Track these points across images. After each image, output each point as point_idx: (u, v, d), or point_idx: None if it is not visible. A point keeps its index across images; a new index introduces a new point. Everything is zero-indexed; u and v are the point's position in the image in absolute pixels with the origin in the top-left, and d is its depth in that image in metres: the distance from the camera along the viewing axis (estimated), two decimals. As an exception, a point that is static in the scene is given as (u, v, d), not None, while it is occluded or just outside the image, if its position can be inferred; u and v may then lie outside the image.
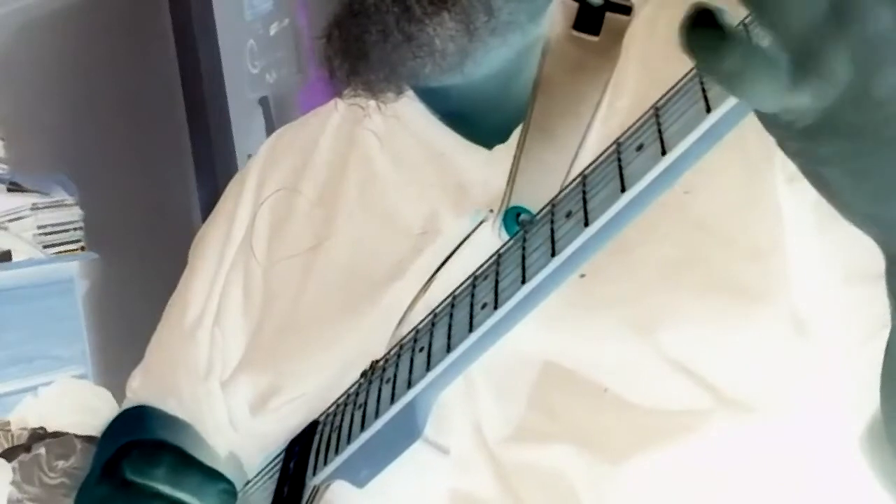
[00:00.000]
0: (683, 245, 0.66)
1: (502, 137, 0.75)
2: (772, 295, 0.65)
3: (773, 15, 0.39)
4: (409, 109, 0.79)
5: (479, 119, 0.76)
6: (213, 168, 2.61)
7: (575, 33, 0.74)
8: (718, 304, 0.65)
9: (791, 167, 0.65)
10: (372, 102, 0.76)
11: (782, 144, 0.45)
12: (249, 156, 0.96)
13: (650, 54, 0.73)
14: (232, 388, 0.83)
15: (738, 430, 0.66)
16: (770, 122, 0.43)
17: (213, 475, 0.66)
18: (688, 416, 0.65)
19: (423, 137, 0.79)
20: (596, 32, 0.74)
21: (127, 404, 0.96)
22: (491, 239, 0.69)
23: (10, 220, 2.93)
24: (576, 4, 0.74)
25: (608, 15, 0.74)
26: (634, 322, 0.66)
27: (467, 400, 0.68)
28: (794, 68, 0.39)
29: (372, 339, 0.72)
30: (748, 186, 0.66)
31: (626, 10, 0.75)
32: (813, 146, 0.43)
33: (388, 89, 0.73)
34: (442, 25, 0.69)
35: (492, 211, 0.71)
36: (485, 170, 0.75)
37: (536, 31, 0.74)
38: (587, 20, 0.74)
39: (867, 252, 0.54)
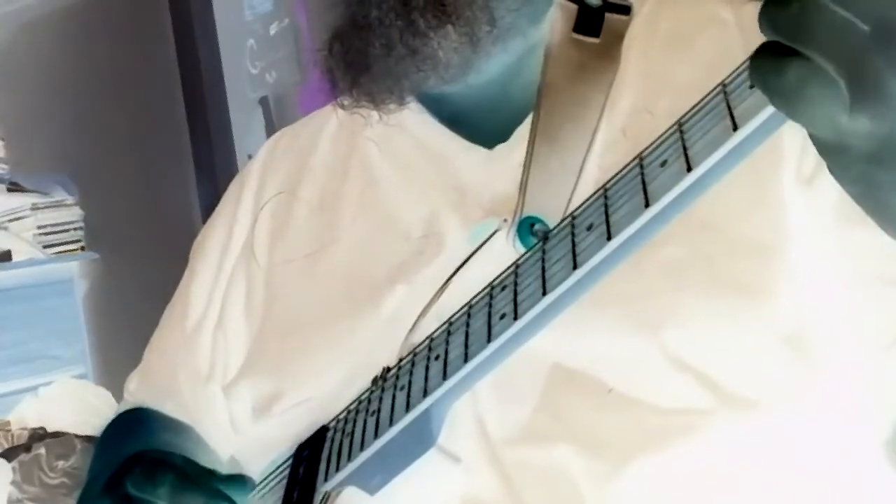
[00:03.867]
0: (688, 245, 0.66)
1: (502, 138, 0.75)
2: (775, 294, 0.65)
3: (817, 41, 0.39)
4: (408, 112, 0.79)
5: (479, 122, 0.76)
6: (213, 168, 2.61)
7: (575, 36, 0.74)
8: (722, 304, 0.66)
9: (806, 169, 0.65)
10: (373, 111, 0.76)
11: (837, 172, 0.44)
12: (249, 156, 0.96)
13: (651, 54, 0.73)
14: (234, 391, 0.83)
15: (741, 428, 0.66)
16: (829, 148, 0.43)
17: (216, 495, 0.67)
18: (691, 415, 0.65)
19: (423, 140, 0.79)
20: (596, 34, 0.74)
21: (124, 406, 0.96)
22: (504, 248, 0.69)
23: (10, 220, 2.93)
24: (575, 7, 0.74)
25: (608, 16, 0.74)
26: (639, 321, 0.66)
27: (471, 401, 0.68)
28: (851, 91, 0.39)
29: (375, 343, 0.72)
30: (753, 187, 0.66)
31: (626, 10, 0.75)
32: (874, 171, 0.42)
33: (390, 101, 0.73)
34: (446, 38, 0.69)
35: (505, 220, 0.71)
36: (485, 171, 0.75)
37: (537, 34, 0.74)
38: (587, 22, 0.74)
39: (891, 256, 0.54)
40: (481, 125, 0.76)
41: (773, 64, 0.40)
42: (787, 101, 0.40)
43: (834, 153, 0.43)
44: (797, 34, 0.39)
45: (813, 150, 0.65)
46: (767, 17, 0.40)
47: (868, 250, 0.63)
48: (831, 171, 0.45)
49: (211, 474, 0.68)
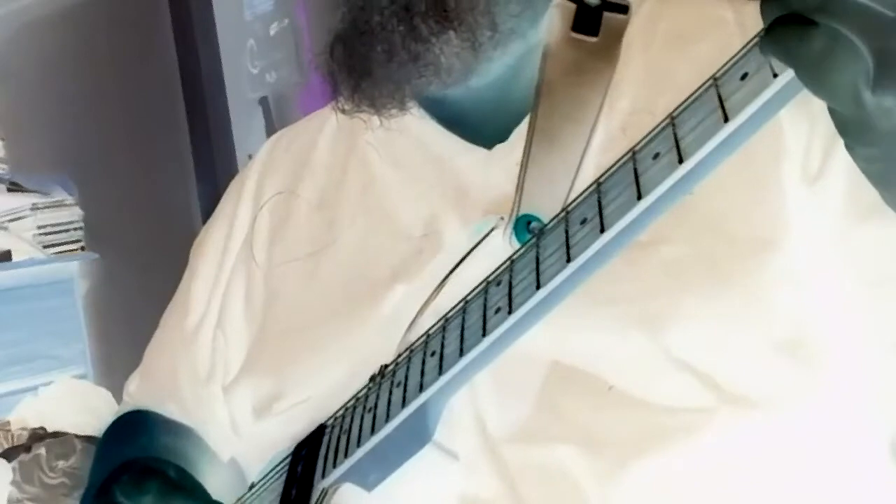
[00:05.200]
0: (689, 244, 0.66)
1: (501, 138, 0.75)
2: (777, 293, 0.65)
3: (843, 18, 0.39)
4: (407, 113, 0.79)
5: (478, 123, 0.76)
6: (213, 168, 2.61)
7: (574, 35, 0.74)
8: (723, 303, 0.66)
9: (812, 166, 0.65)
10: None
11: (856, 150, 0.44)
12: (249, 156, 0.96)
13: (650, 53, 0.73)
14: (234, 392, 0.83)
15: (741, 428, 0.66)
16: (850, 125, 0.43)
17: (200, 502, 0.67)
18: (692, 414, 0.65)
19: (422, 139, 0.79)
20: (595, 33, 0.74)
21: (124, 408, 0.96)
22: (501, 246, 0.69)
23: (10, 220, 2.93)
24: (573, 6, 0.74)
25: (606, 15, 0.74)
26: (640, 320, 0.66)
27: (471, 400, 0.68)
28: (876, 66, 0.39)
29: (376, 342, 0.72)
30: (753, 186, 0.66)
31: (624, 10, 0.75)
32: (895, 149, 0.43)
33: (392, 106, 0.73)
34: (448, 44, 0.69)
35: (502, 218, 0.71)
36: (484, 171, 0.75)
37: (536, 36, 0.74)
38: (585, 21, 0.74)
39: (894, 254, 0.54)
40: (480, 126, 0.76)
41: (797, 32, 0.39)
42: (812, 69, 0.40)
43: (855, 131, 0.43)
44: (822, 12, 0.39)
45: (819, 147, 0.65)
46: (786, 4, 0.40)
47: (872, 248, 0.63)
48: (849, 149, 0.45)
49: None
